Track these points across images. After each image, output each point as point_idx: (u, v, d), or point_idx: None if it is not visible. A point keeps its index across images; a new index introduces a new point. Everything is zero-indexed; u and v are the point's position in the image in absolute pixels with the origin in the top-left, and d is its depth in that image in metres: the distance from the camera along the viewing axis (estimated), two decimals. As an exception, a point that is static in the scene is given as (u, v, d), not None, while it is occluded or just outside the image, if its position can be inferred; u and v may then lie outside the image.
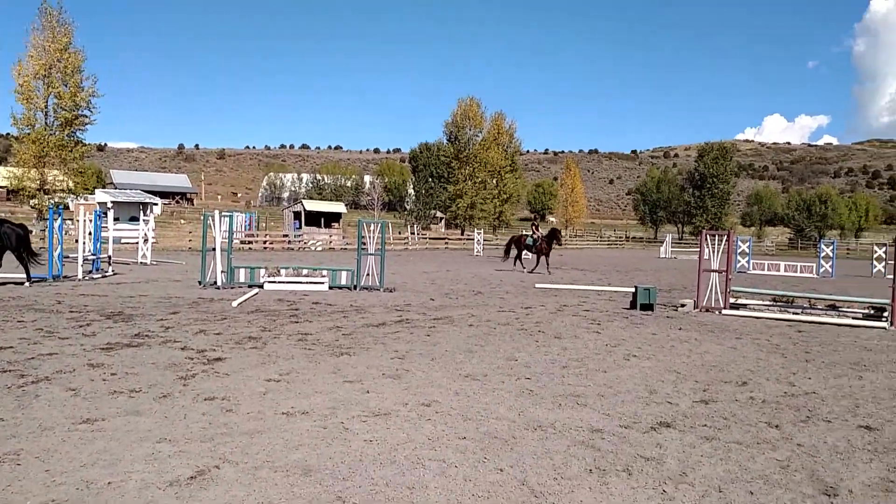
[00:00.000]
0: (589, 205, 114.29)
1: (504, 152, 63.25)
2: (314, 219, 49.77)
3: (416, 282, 18.82)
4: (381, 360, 7.73)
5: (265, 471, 4.19)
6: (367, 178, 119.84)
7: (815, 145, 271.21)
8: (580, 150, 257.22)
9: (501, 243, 55.06)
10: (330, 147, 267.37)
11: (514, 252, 26.43)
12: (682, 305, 13.93)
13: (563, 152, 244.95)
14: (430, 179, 68.51)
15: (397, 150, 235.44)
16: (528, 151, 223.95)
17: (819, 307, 13.61)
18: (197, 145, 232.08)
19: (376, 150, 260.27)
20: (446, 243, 52.26)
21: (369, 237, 16.62)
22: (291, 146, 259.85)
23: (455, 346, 8.80)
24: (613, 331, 10.67)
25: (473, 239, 42.60)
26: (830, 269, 29.79)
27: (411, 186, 73.03)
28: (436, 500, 3.83)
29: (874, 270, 31.26)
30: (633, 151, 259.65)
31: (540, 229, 26.52)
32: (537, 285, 18.53)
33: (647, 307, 13.43)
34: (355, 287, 15.90)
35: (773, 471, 4.49)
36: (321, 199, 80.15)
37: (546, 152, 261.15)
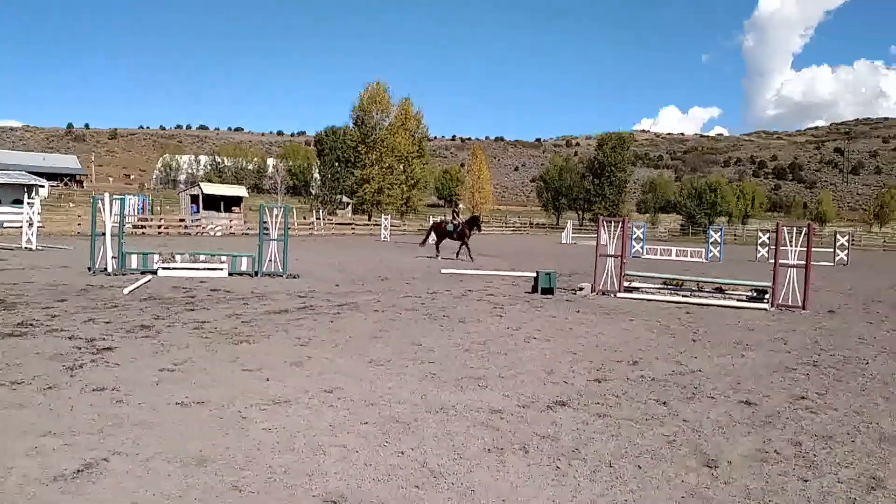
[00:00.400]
0: (495, 191, 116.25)
1: (411, 138, 63.15)
2: (213, 203, 48.12)
3: (321, 268, 18.58)
4: (282, 347, 7.60)
5: (158, 462, 4.06)
6: (269, 162, 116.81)
7: (707, 136, 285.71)
8: (486, 138, 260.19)
9: (409, 229, 55.20)
10: (230, 128, 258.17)
11: (433, 239, 25.84)
12: (581, 289, 14.43)
13: (469, 139, 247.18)
14: (337, 164, 67.42)
15: (302, 133, 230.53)
16: (435, 137, 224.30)
17: (706, 290, 14.42)
18: (87, 125, 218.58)
19: (280, 133, 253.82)
20: (353, 229, 51.77)
21: (272, 222, 16.24)
22: (188, 126, 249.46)
23: (360, 331, 8.77)
24: (515, 314, 10.93)
25: (381, 225, 42.40)
26: (718, 254, 31.58)
27: (317, 171, 71.60)
28: (335, 485, 3.83)
29: (758, 255, 33.38)
30: (538, 140, 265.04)
31: (460, 215, 25.91)
32: (443, 271, 18.69)
33: (548, 291, 13.83)
34: (257, 273, 15.52)
35: (660, 445, 4.75)
36: (221, 183, 77.54)
37: (453, 139, 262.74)
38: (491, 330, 9.32)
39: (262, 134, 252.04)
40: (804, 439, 4.97)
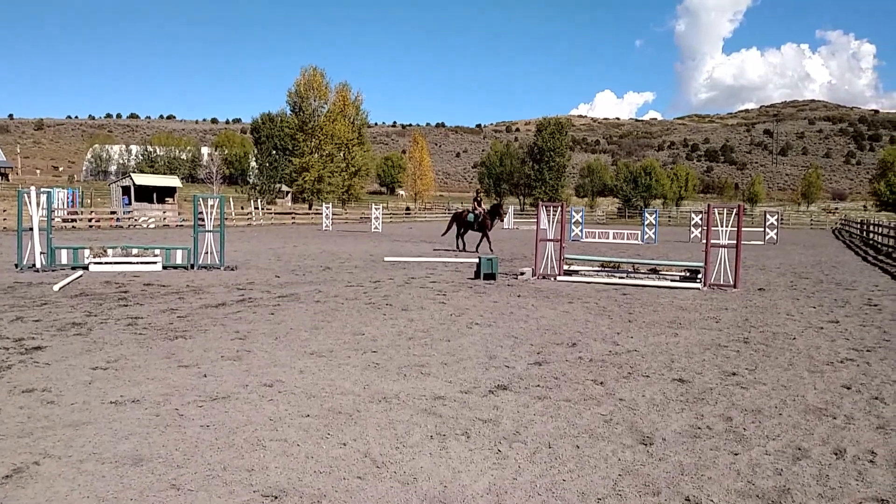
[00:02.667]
0: (437, 178, 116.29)
1: (351, 125, 62.40)
2: (145, 194, 46.57)
3: (260, 259, 18.26)
4: (220, 342, 7.45)
5: (91, 463, 3.95)
6: (204, 150, 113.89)
7: (642, 120, 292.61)
8: (427, 124, 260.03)
9: (351, 217, 54.69)
10: (162, 116, 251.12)
11: (454, 230, 24.02)
12: (522, 273, 14.61)
13: (410, 125, 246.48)
14: (274, 152, 66.16)
15: (237, 121, 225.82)
16: (375, 124, 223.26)
17: (642, 271, 14.78)
18: (11, 115, 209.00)
19: (214, 120, 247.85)
20: (293, 218, 51.00)
21: (207, 213, 15.85)
22: (118, 115, 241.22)
23: (300, 323, 8.67)
24: (458, 301, 10.99)
25: (322, 213, 41.88)
26: (653, 236, 32.41)
27: (254, 159, 70.11)
28: (276, 479, 3.79)
29: (692, 236, 34.42)
30: (478, 125, 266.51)
31: (483, 204, 24.07)
32: (386, 259, 18.64)
33: (490, 276, 13.94)
34: (192, 266, 15.14)
35: (597, 425, 4.87)
36: (153, 173, 75.21)
37: (394, 125, 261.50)
38: (434, 317, 9.35)
39: (196, 122, 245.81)
40: (734, 414, 5.16)
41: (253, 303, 10.32)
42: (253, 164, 70.36)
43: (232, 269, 15.09)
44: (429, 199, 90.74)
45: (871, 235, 33.25)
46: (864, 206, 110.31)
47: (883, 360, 7.11)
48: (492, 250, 21.65)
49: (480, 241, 23.16)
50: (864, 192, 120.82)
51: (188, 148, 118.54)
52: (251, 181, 67.43)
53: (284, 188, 71.54)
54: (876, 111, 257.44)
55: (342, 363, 6.54)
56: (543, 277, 14.41)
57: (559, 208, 15.39)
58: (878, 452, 4.36)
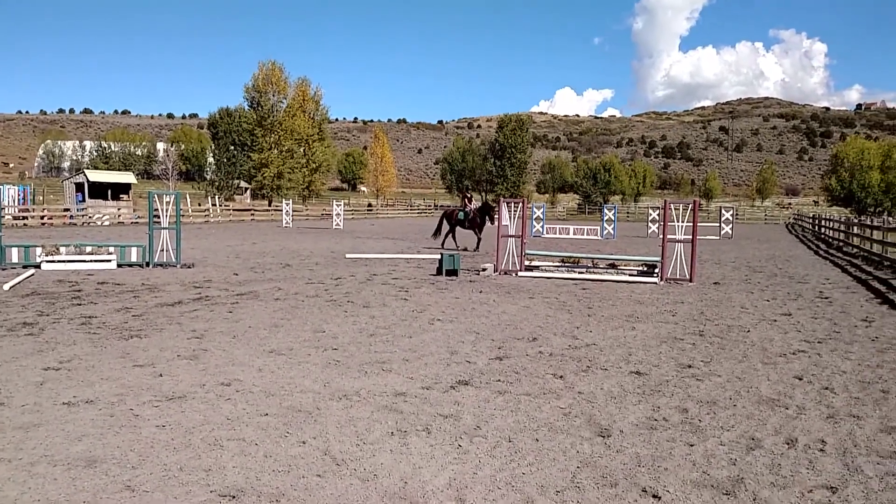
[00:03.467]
0: (399, 174, 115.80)
1: (311, 120, 61.83)
2: (100, 191, 45.52)
3: (218, 256, 17.98)
4: (176, 340, 7.31)
5: (43, 466, 3.84)
6: (160, 146, 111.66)
7: (601, 117, 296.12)
8: (389, 120, 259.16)
9: (312, 214, 54.18)
10: (116, 111, 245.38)
11: (445, 228, 23.00)
12: (484, 269, 14.67)
13: (372, 121, 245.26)
14: (233, 147, 65.20)
15: (194, 116, 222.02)
16: (336, 120, 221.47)
17: (601, 266, 14.98)
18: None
19: (170, 116, 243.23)
20: (252, 215, 50.29)
21: (163, 209, 15.54)
22: (71, 110, 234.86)
23: (259, 321, 8.56)
24: (420, 297, 10.97)
25: (282, 210, 41.40)
26: (612, 232, 32.86)
27: (211, 155, 69.00)
28: (234, 479, 3.73)
29: (649, 231, 35.01)
30: (440, 122, 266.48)
31: (473, 202, 23.28)
32: (348, 255, 18.52)
33: (452, 273, 13.96)
34: (148, 264, 14.83)
35: (556, 418, 4.91)
36: (107, 169, 73.39)
37: (355, 121, 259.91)
38: (396, 314, 9.32)
39: (151, 117, 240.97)
40: (690, 406, 5.26)
41: (210, 301, 10.16)
42: (210, 159, 69.31)
43: (189, 267, 14.83)
44: (391, 195, 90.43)
45: (823, 230, 34.25)
46: (815, 202, 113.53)
47: (833, 352, 7.32)
48: (478, 248, 21.25)
49: (479, 242, 21.88)
50: (817, 187, 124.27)
51: (143, 143, 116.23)
52: (208, 177, 66.41)
53: (243, 184, 70.54)
54: (827, 108, 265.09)
55: (302, 361, 6.48)
56: (505, 273, 14.48)
57: (520, 204, 15.48)
58: (827, 441, 4.48)
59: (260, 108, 59.70)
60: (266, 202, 61.35)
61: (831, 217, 36.76)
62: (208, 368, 6.14)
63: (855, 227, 25.21)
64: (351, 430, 4.54)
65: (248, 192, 75.34)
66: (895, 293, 12.22)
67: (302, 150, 61.24)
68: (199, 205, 49.68)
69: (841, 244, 26.52)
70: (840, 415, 5.07)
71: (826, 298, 11.66)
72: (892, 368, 6.57)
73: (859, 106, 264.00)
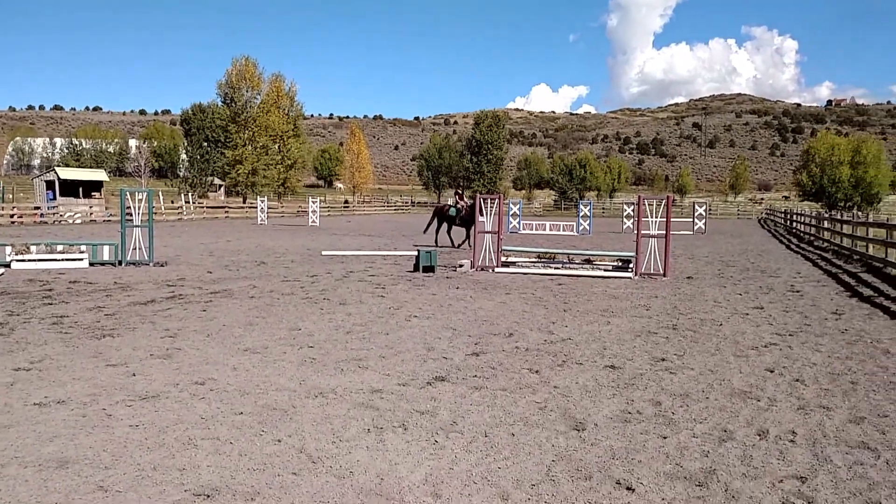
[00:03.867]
0: (375, 171, 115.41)
1: (286, 116, 61.36)
2: (71, 188, 44.73)
3: (191, 254, 17.78)
4: (149, 340, 7.22)
5: (13, 468, 3.79)
6: (132, 143, 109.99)
7: (576, 114, 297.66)
8: (365, 116, 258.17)
9: (287, 211, 53.78)
10: (88, 108, 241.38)
11: (435, 225, 22.26)
12: (461, 266, 14.68)
13: (348, 117, 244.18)
14: (206, 144, 64.43)
15: (167, 112, 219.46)
16: (311, 116, 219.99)
17: (577, 262, 15.08)
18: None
19: (142, 112, 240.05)
20: (226, 212, 49.81)
21: (135, 207, 15.34)
22: (42, 107, 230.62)
23: (234, 319, 8.49)
24: (397, 294, 10.96)
25: (257, 207, 41.04)
26: (588, 227, 33.05)
27: (184, 151, 68.07)
28: (208, 478, 3.70)
29: (624, 227, 35.25)
30: (416, 118, 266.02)
31: (465, 198, 22.50)
32: (324, 253, 18.43)
33: (429, 269, 13.96)
34: (120, 263, 14.63)
35: (532, 412, 4.94)
36: (79, 167, 72.13)
37: (331, 117, 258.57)
38: (372, 310, 9.30)
39: (124, 113, 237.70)
40: (663, 398, 5.32)
41: (184, 299, 10.05)
42: (183, 156, 68.38)
43: (162, 266, 14.65)
44: (367, 192, 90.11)
45: (795, 224, 34.80)
46: (785, 196, 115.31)
47: (804, 344, 7.45)
48: (465, 245, 20.86)
49: (467, 235, 21.28)
50: (788, 182, 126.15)
51: (115, 140, 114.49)
52: (182, 174, 65.58)
53: (217, 181, 69.86)
54: (798, 105, 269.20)
55: (277, 359, 6.44)
56: (482, 269, 14.51)
57: (497, 201, 15.52)
58: (798, 432, 4.56)
59: (233, 104, 59.15)
60: (240, 199, 60.85)
61: (802, 212, 37.36)
62: (182, 367, 6.08)
63: (825, 222, 25.64)
64: (327, 428, 4.53)
65: (222, 189, 74.64)
66: (864, 286, 12.46)
67: (276, 146, 60.80)
68: (173, 202, 49.09)
69: (812, 238, 26.97)
70: (810, 406, 5.17)
71: (797, 292, 11.85)
72: (860, 360, 6.70)
73: (829, 102, 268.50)
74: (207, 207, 50.15)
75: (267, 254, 18.24)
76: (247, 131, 58.87)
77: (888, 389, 5.63)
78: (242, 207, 52.77)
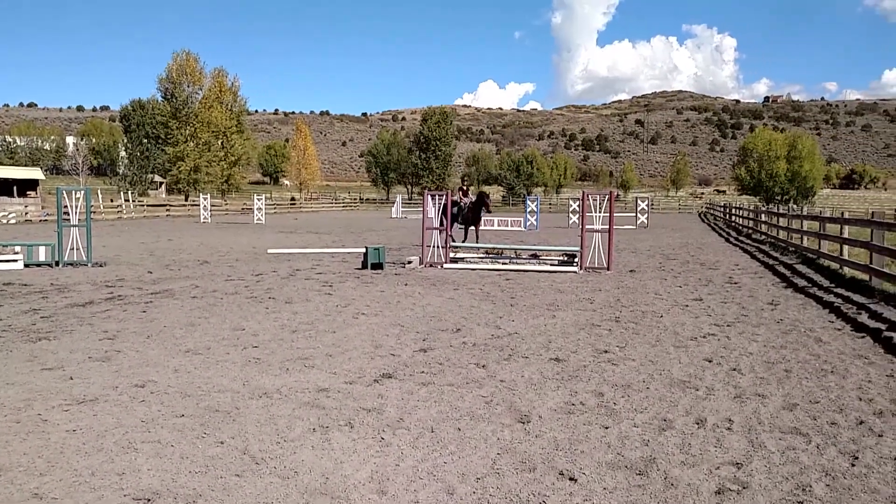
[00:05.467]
0: (323, 167, 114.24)
1: (229, 111, 60.18)
2: (5, 187, 42.93)
3: (131, 254, 17.31)
4: (87, 342, 7.01)
5: (-58, 478, 3.63)
6: (69, 140, 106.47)
7: (523, 110, 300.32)
8: (311, 112, 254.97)
9: (231, 209, 52.78)
10: (22, 104, 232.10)
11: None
12: (409, 262, 14.68)
13: (293, 113, 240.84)
14: (146, 140, 62.79)
15: (105, 108, 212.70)
16: (256, 111, 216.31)
17: (524, 257, 15.24)
18: None
19: (80, 108, 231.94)
20: (168, 210, 48.61)
21: (72, 206, 14.84)
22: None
23: (175, 320, 8.30)
24: (345, 291, 10.89)
25: (199, 205, 40.15)
26: (535, 223, 33.41)
27: (123, 148, 66.20)
28: (148, 482, 3.62)
29: (570, 222, 35.80)
30: (364, 114, 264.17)
31: (469, 194, 21.10)
32: (270, 251, 18.17)
33: (378, 266, 13.91)
34: (57, 264, 14.14)
35: (478, 406, 4.99)
36: (13, 165, 69.34)
37: (276, 112, 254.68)
38: (319, 309, 9.22)
39: (60, 109, 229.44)
40: (606, 390, 5.44)
41: (123, 300, 9.78)
42: (123, 153, 66.51)
43: (100, 266, 14.23)
44: (315, 189, 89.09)
45: (734, 218, 35.90)
46: (719, 190, 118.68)
47: (741, 335, 7.70)
48: (465, 241, 19.57)
49: (466, 233, 20.57)
50: (728, 177, 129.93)
51: (52, 137, 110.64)
52: (121, 172, 63.73)
53: (158, 179, 68.08)
54: (737, 101, 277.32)
55: (220, 360, 6.33)
56: (430, 265, 14.54)
57: (444, 197, 15.55)
58: (734, 420, 4.72)
59: (174, 100, 57.74)
60: (183, 197, 59.44)
61: (741, 206, 38.56)
62: (121, 370, 5.93)
63: (763, 215, 26.53)
64: (271, 429, 4.48)
65: (164, 186, 72.72)
66: (799, 277, 12.95)
67: (220, 142, 59.61)
68: (112, 201, 47.66)
69: (750, 231, 27.87)
70: (746, 394, 5.35)
71: (735, 283, 12.24)
72: (794, 349, 6.97)
73: (767, 99, 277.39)
74: (148, 206, 48.86)
75: (210, 253, 17.89)
76: (188, 127, 57.53)
77: (820, 377, 5.87)
78: (185, 205, 51.57)
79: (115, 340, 7.11)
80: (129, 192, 51.41)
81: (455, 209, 19.54)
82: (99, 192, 45.06)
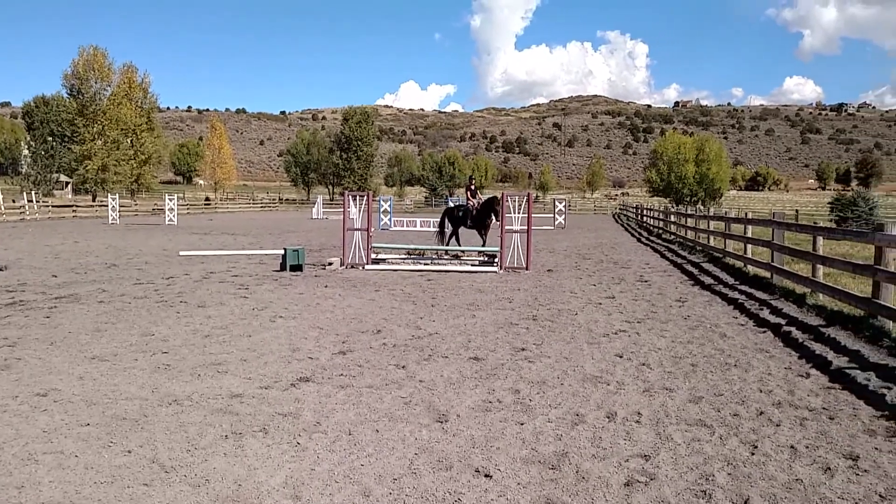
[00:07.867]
0: (240, 166, 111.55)
1: (139, 108, 57.88)
2: None
3: (34, 257, 16.39)
4: (-18, 351, 6.60)
5: None
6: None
7: (445, 112, 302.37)
8: (227, 109, 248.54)
9: (142, 209, 50.72)
10: None
11: (449, 229, 18.53)
12: (330, 264, 14.52)
13: (208, 110, 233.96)
14: (51, 138, 59.54)
15: (7, 104, 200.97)
16: (168, 108, 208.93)
17: (445, 258, 15.35)
18: None
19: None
20: (74, 211, 46.23)
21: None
22: None
23: (80, 326, 7.92)
24: (262, 294, 10.67)
25: (108, 206, 38.38)
26: (457, 223, 33.65)
27: (26, 147, 62.55)
28: (50, 494, 3.46)
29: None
30: (283, 112, 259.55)
31: (479, 195, 19.25)
32: (182, 253, 17.58)
33: (297, 268, 13.68)
34: (-51, 268, 13.24)
35: (397, 407, 5.00)
36: None
37: (189, 110, 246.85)
38: (235, 312, 9.00)
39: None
40: (522, 387, 5.56)
41: (25, 306, 9.26)
42: (25, 152, 62.75)
43: (1, 270, 13.41)
44: (231, 188, 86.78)
45: (645, 219, 37.24)
46: (623, 193, 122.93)
47: (650, 331, 8.01)
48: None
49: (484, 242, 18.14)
50: (640, 179, 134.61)
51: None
52: (24, 171, 60.13)
53: (64, 178, 64.72)
54: (649, 106, 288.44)
55: (128, 367, 6.09)
56: (352, 267, 14.43)
57: (366, 197, 15.47)
58: (643, 413, 4.91)
59: (81, 97, 55.10)
60: (90, 197, 56.74)
61: (652, 207, 40.02)
62: (22, 378, 5.62)
63: (672, 216, 27.64)
64: (181, 436, 4.35)
65: (70, 186, 69.23)
66: (706, 275, 13.57)
67: (129, 140, 57.29)
68: (14, 201, 44.97)
69: (660, 231, 28.97)
70: (654, 388, 5.57)
71: (646, 282, 12.71)
72: (700, 344, 7.30)
73: (677, 104, 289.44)
74: (53, 207, 46.32)
75: (118, 255, 17.15)
76: (96, 125, 54.95)
77: (724, 370, 6.17)
78: (92, 206, 49.20)
79: (16, 347, 6.73)
80: (33, 192, 48.60)
81: (461, 213, 18.37)
82: (0, 192, 42.46)
